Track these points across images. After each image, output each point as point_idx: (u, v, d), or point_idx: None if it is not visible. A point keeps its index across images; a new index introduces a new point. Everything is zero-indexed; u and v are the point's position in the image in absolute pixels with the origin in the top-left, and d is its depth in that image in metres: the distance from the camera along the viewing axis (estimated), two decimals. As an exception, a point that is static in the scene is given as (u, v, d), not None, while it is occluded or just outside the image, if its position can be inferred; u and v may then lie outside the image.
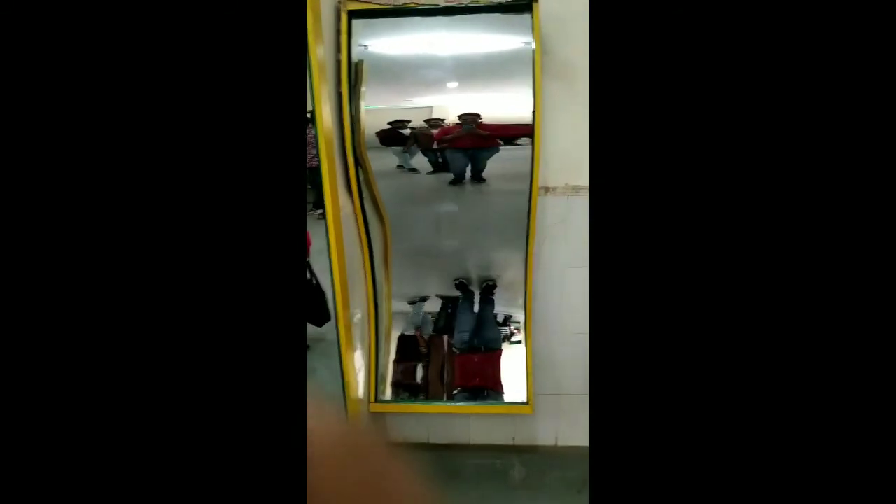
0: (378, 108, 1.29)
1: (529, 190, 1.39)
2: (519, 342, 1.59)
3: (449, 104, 1.30)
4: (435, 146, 1.32)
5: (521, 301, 1.57)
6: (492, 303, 1.59)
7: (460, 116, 1.30)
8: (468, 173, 1.37)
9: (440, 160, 1.35)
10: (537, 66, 1.29)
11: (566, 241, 1.59)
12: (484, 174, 1.37)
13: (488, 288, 1.59)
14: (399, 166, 1.35)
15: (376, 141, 1.31)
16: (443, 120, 1.30)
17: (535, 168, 1.36)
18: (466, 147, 1.33)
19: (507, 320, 1.60)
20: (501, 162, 1.35)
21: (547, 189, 1.55)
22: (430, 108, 1.30)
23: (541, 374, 1.66)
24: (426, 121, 1.29)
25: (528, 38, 1.29)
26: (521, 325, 1.58)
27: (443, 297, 1.62)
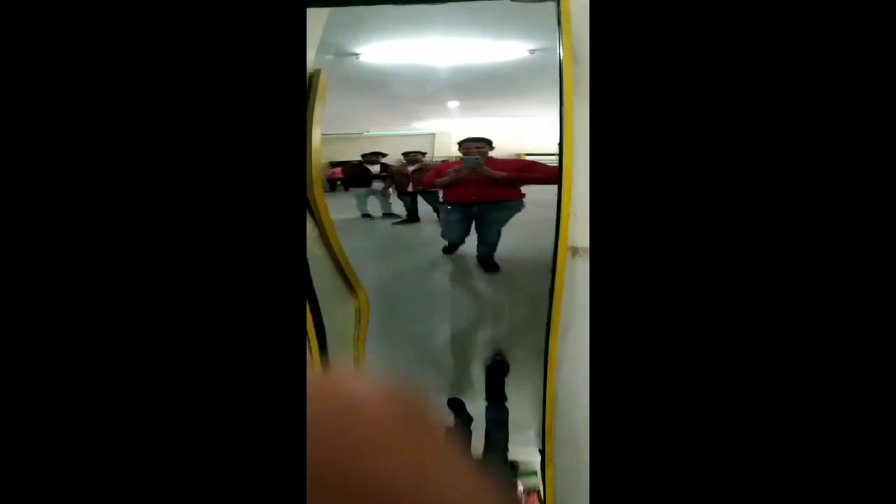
0: (338, 134, 0.90)
1: (553, 254, 0.99)
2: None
3: (446, 130, 0.91)
4: (440, 194, 0.89)
5: (532, 433, 1.10)
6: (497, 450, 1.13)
7: (461, 144, 0.86)
8: (473, 237, 0.93)
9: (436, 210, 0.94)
10: (567, 80, 0.91)
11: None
12: (497, 254, 0.90)
13: (498, 422, 1.14)
14: (365, 215, 0.92)
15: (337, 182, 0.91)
16: (423, 154, 0.89)
17: (561, 222, 0.96)
18: (469, 201, 0.88)
19: (515, 469, 1.13)
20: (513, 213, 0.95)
21: (575, 251, 1.15)
22: (433, 134, 0.91)
23: (568, 497, 1.23)
24: (403, 154, 0.89)
25: (552, 40, 0.92)
26: (536, 471, 1.11)
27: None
